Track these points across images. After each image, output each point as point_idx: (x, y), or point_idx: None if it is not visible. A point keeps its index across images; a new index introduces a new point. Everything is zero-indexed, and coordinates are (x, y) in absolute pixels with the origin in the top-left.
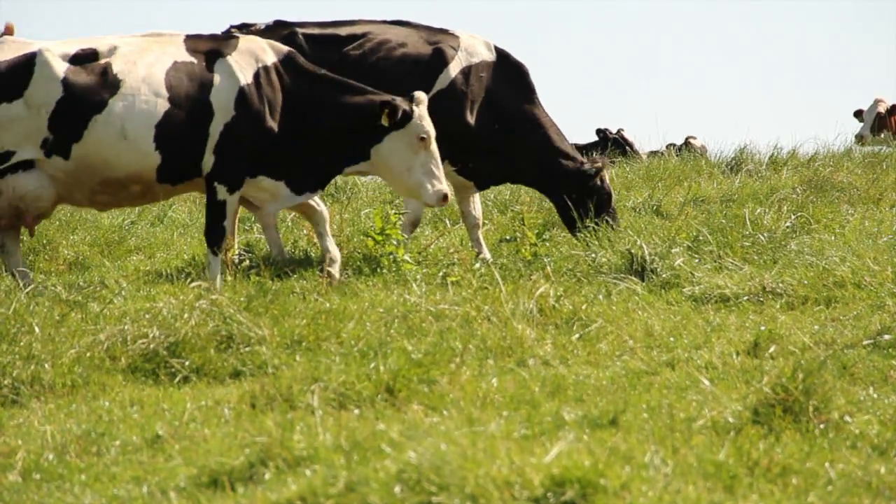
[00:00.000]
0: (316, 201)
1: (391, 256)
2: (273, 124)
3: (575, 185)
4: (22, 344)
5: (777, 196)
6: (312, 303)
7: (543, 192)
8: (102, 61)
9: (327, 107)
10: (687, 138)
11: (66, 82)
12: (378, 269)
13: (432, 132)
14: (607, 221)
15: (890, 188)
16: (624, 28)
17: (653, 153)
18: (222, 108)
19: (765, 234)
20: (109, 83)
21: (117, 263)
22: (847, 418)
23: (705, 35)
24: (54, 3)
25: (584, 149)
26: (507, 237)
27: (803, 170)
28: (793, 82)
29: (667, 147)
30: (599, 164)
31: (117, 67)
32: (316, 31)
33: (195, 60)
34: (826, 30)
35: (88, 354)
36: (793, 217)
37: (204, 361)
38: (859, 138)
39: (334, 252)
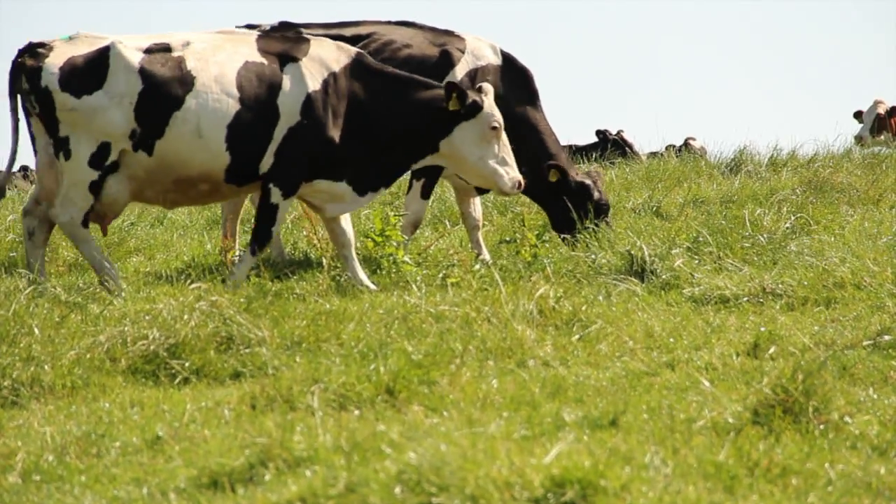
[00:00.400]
0: (346, 224)
1: (391, 258)
2: (335, 132)
3: (563, 195)
4: (22, 345)
5: (777, 197)
6: (312, 304)
7: (534, 200)
8: (176, 55)
9: (398, 105)
10: (686, 139)
11: (143, 73)
12: (378, 271)
13: (502, 121)
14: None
15: (889, 189)
16: (624, 30)
17: (652, 154)
18: (288, 113)
19: (764, 236)
20: (184, 79)
21: (117, 265)
22: (847, 419)
23: (705, 37)
24: (55, 3)
25: (584, 150)
26: (507, 238)
27: (803, 171)
28: (792, 83)
29: (666, 148)
30: (588, 182)
31: (190, 63)
32: (321, 31)
33: (266, 62)
34: (826, 31)
35: (88, 356)
36: (792, 218)
37: (204, 363)
38: (859, 139)
39: (362, 279)
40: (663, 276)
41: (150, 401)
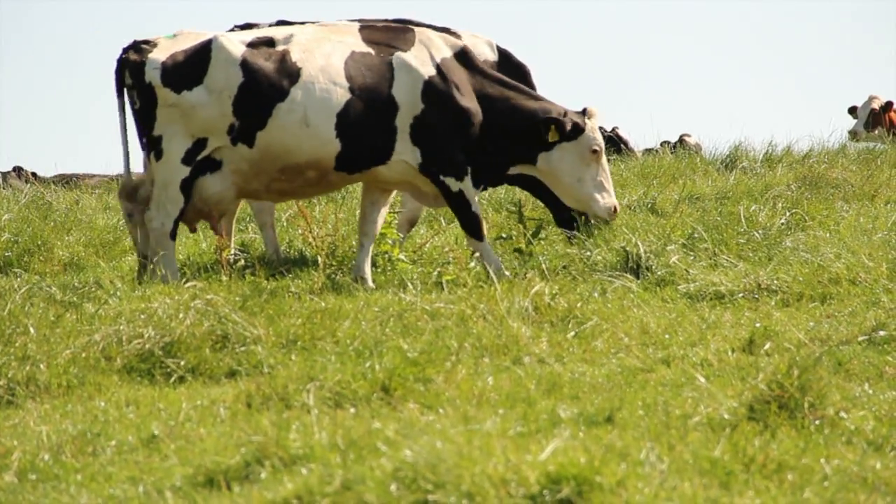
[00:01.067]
0: (380, 218)
1: (386, 256)
2: (469, 104)
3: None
4: (17, 345)
5: (772, 193)
6: (308, 302)
7: (533, 194)
8: (280, 48)
9: (496, 106)
10: (681, 136)
11: (245, 67)
12: (373, 268)
13: (603, 145)
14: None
15: (884, 185)
16: (619, 26)
17: (647, 151)
18: (408, 102)
19: (760, 231)
20: (289, 71)
21: (112, 264)
22: (842, 414)
23: (699, 33)
24: (55, 3)
25: None
26: (503, 235)
27: (798, 167)
28: (787, 80)
29: (661, 145)
30: None
31: (296, 55)
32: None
33: (372, 51)
34: (820, 27)
35: (84, 355)
36: (788, 214)
37: (199, 361)
38: (853, 135)
39: (365, 272)
40: (659, 273)
41: (146, 399)
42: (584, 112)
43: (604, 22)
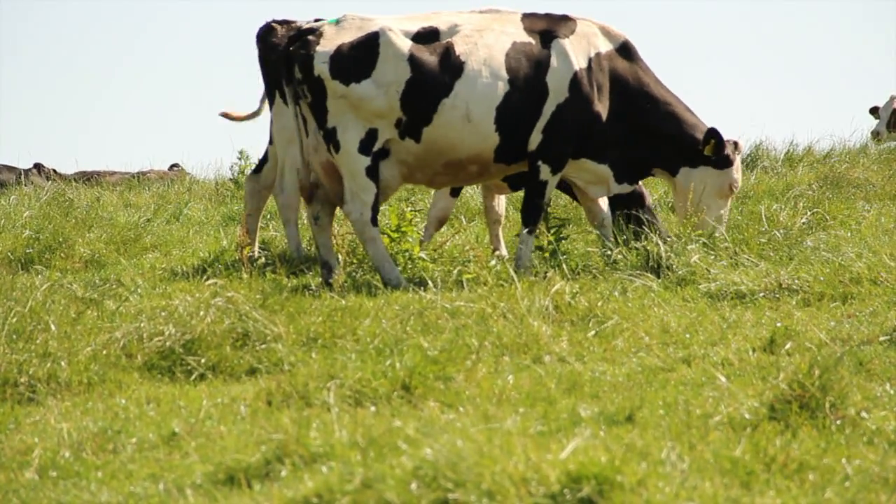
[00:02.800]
0: (603, 203)
1: (407, 254)
2: (601, 110)
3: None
4: (38, 342)
5: (793, 192)
6: (328, 300)
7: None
8: (444, 41)
9: (650, 105)
10: None
11: (412, 61)
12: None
13: (739, 187)
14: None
15: None
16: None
17: None
18: (556, 90)
19: (781, 231)
20: (453, 65)
21: (133, 261)
22: (864, 414)
23: (721, 32)
24: (55, 3)
25: None
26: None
27: (819, 166)
28: (808, 79)
29: None
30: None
31: (459, 48)
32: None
33: (532, 41)
34: (842, 25)
35: (104, 352)
36: (809, 213)
37: (220, 359)
38: (875, 135)
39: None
40: (679, 272)
41: (166, 397)
42: (735, 145)
43: (625, 20)
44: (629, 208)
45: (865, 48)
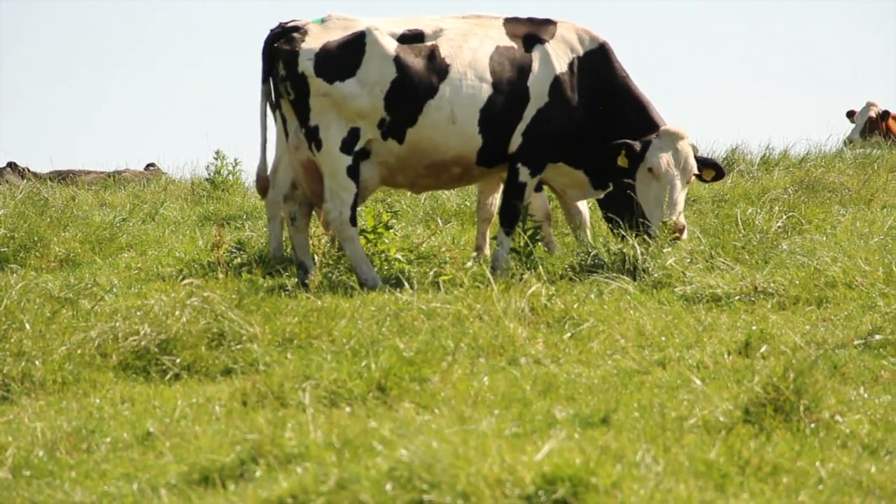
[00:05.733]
0: (582, 206)
1: (383, 255)
2: (579, 114)
3: None
4: (13, 341)
5: (769, 196)
6: (304, 301)
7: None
8: (429, 43)
9: (625, 111)
10: None
11: (398, 62)
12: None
13: (661, 167)
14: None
15: (881, 189)
16: (613, 27)
17: None
18: (537, 94)
19: (756, 235)
20: (438, 67)
21: (109, 261)
22: (838, 418)
23: (696, 34)
24: (54, 2)
25: None
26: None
27: (795, 170)
28: (784, 83)
29: None
30: None
31: (444, 51)
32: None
33: (514, 45)
34: (817, 29)
35: (79, 351)
36: (784, 217)
37: (195, 359)
38: (848, 142)
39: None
40: (655, 275)
41: (141, 397)
42: (657, 133)
43: (597, 22)
44: (622, 211)
45: (842, 53)
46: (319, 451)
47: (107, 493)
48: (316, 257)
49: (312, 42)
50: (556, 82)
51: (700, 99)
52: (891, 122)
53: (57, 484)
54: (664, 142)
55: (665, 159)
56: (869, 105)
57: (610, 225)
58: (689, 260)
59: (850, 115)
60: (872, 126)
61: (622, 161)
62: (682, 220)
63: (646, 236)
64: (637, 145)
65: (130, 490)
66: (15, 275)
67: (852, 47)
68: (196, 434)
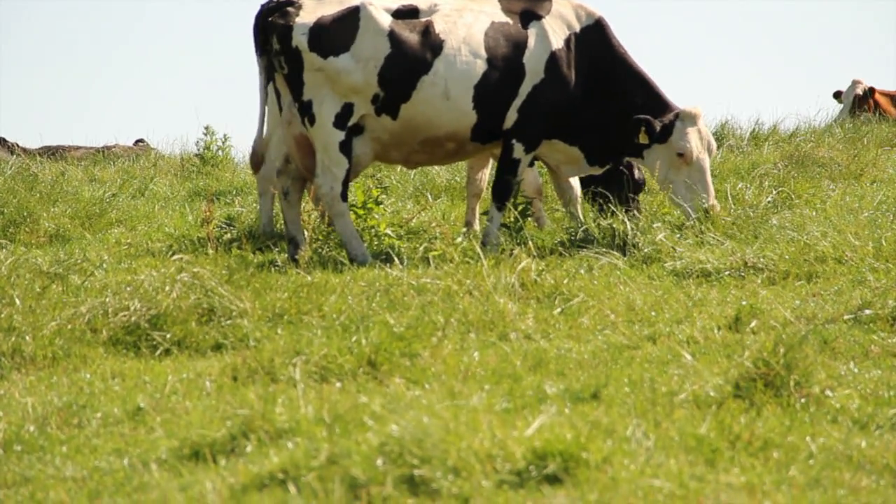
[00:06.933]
0: (574, 181)
1: (373, 230)
2: (575, 91)
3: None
4: (2, 316)
5: (758, 171)
6: (294, 276)
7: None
8: (424, 19)
9: (624, 87)
10: None
11: (392, 37)
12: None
13: (693, 152)
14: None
15: (870, 164)
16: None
17: None
18: (533, 70)
19: (746, 210)
20: (433, 43)
21: (98, 236)
22: (828, 392)
23: (685, 10)
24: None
25: None
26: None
27: (784, 145)
28: (774, 58)
29: None
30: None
31: (439, 27)
32: None
33: (510, 21)
34: (806, 5)
35: (69, 327)
36: (774, 192)
37: (185, 334)
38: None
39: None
40: (645, 250)
41: (132, 372)
42: (677, 115)
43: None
44: (611, 185)
45: (830, 27)
46: (310, 426)
47: (97, 467)
48: (306, 232)
49: (306, 16)
50: (553, 58)
51: (689, 74)
52: (878, 96)
53: (48, 459)
54: (687, 124)
55: (695, 143)
56: (854, 83)
57: (598, 201)
58: (678, 235)
59: (837, 95)
60: (860, 103)
61: (643, 138)
62: (714, 200)
63: (635, 212)
64: (657, 123)
65: (121, 465)
66: (4, 250)
67: (841, 23)
68: (186, 409)
